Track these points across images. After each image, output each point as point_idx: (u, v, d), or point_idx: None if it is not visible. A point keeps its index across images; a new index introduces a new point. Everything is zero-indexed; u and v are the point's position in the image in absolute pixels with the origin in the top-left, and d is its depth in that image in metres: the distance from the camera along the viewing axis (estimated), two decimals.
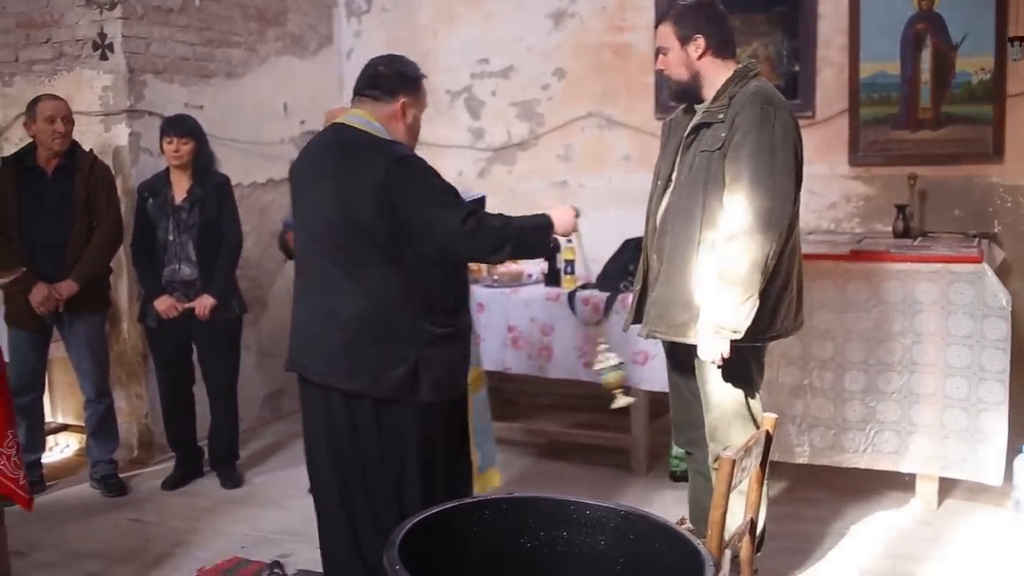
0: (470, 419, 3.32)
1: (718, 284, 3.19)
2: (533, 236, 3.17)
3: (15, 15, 5.41)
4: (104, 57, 4.92)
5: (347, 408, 3.07)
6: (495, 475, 3.51)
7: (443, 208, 2.99)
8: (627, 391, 3.58)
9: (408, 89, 3.16)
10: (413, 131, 3.21)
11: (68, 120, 4.72)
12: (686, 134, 3.39)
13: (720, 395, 3.40)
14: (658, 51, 3.45)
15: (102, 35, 4.88)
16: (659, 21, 3.48)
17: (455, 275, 3.18)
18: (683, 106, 3.56)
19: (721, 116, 3.28)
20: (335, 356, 3.04)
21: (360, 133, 3.06)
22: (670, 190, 3.45)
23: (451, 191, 3.09)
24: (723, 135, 3.24)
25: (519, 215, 3.20)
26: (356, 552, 3.12)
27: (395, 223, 2.95)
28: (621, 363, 3.55)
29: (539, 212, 3.27)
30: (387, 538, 3.02)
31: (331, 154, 3.09)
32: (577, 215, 3.34)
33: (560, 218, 3.24)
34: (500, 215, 3.12)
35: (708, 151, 3.28)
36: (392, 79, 3.14)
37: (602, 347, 3.56)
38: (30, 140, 4.77)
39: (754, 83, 3.35)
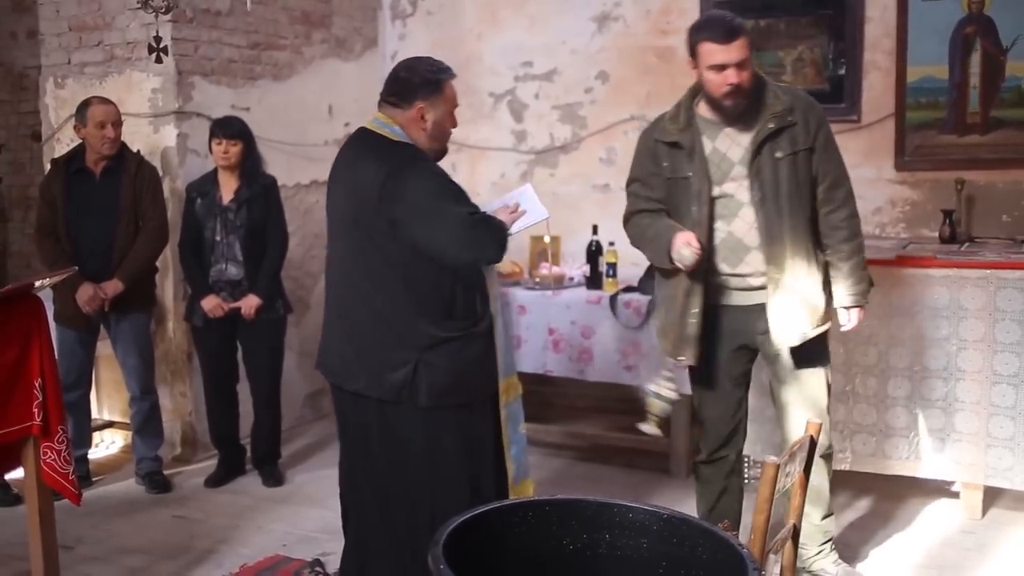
0: (503, 429, 3.27)
1: (853, 258, 3.52)
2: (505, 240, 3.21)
3: (67, 18, 5.51)
4: (159, 60, 4.98)
5: (355, 409, 3.17)
6: (529, 486, 3.44)
7: (443, 212, 3.02)
8: (663, 423, 3.76)
9: (426, 93, 3.15)
10: (435, 135, 3.18)
11: (117, 124, 4.79)
12: (755, 144, 3.37)
13: (822, 381, 3.64)
14: (736, 65, 3.31)
15: (157, 38, 4.94)
16: (736, 34, 3.34)
17: (468, 280, 3.12)
18: (672, 125, 3.54)
19: (791, 119, 3.37)
20: (344, 357, 3.18)
21: (376, 137, 3.14)
22: (749, 204, 3.40)
23: (455, 194, 3.09)
24: (802, 134, 3.38)
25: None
26: (361, 555, 3.27)
27: (395, 225, 3.00)
28: (674, 400, 3.65)
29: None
30: (394, 545, 3.14)
31: (346, 158, 3.22)
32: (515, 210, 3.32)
33: (502, 217, 3.25)
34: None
35: (791, 153, 3.38)
36: (408, 84, 3.17)
37: (666, 375, 3.60)
38: (80, 142, 4.85)
39: (777, 83, 3.57)
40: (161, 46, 5.01)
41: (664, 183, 3.53)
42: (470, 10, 6.39)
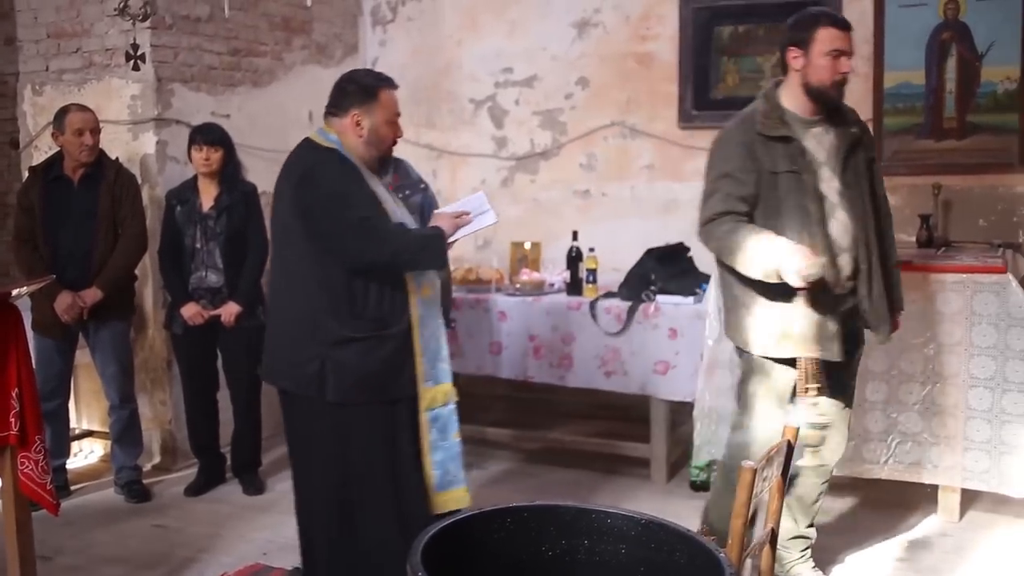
0: (423, 434, 3.32)
1: (898, 265, 3.73)
2: (429, 245, 3.27)
3: (46, 25, 5.48)
4: (136, 68, 4.97)
5: (284, 405, 3.37)
6: (460, 495, 3.41)
7: (339, 215, 3.14)
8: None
9: (360, 101, 3.25)
10: (372, 141, 3.27)
11: (96, 132, 4.77)
12: (849, 145, 3.45)
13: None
14: (847, 53, 3.44)
15: (134, 46, 4.92)
16: (846, 26, 3.50)
17: (382, 282, 3.21)
18: (768, 120, 3.39)
19: (861, 126, 3.59)
20: (272, 354, 3.39)
21: (310, 144, 3.30)
22: (840, 206, 3.40)
23: (356, 198, 3.18)
24: (868, 143, 3.61)
25: (419, 231, 3.36)
26: (307, 548, 3.42)
27: (306, 225, 3.17)
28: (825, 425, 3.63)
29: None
30: (330, 538, 3.26)
31: (284, 166, 3.37)
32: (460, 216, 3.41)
33: (444, 223, 3.36)
34: (399, 225, 3.26)
35: (868, 159, 3.56)
36: (344, 93, 3.30)
37: (810, 401, 3.47)
38: (58, 149, 4.83)
39: None
40: (138, 54, 4.99)
41: (759, 179, 3.36)
42: (450, 16, 6.40)
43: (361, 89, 3.29)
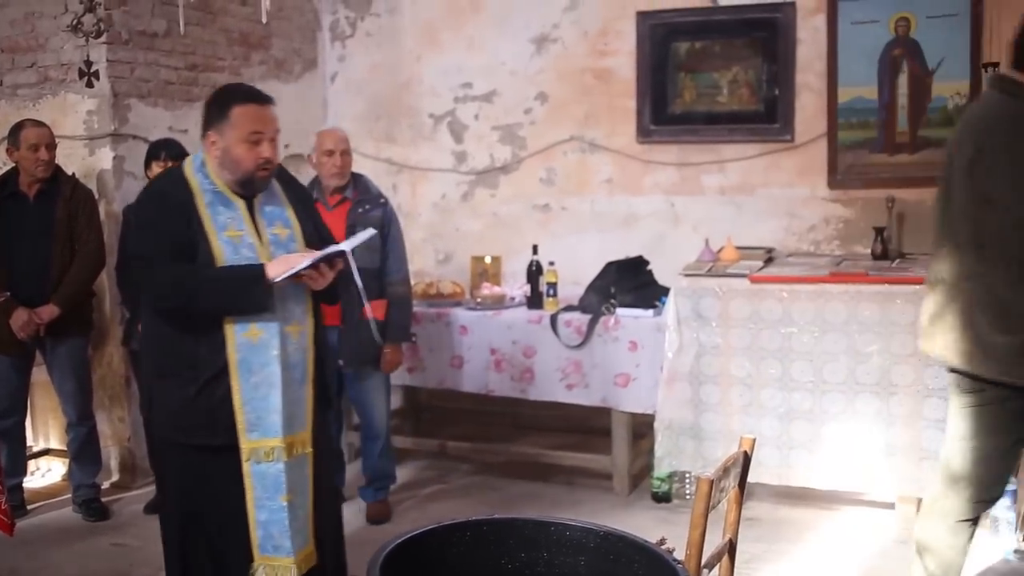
0: (247, 488, 3.00)
1: None
2: (224, 288, 2.94)
3: (0, 39, 5.43)
4: (90, 84, 4.94)
5: None
6: (284, 564, 3.02)
7: (133, 248, 3.17)
8: None
9: (213, 122, 3.02)
10: (225, 163, 3.00)
11: (51, 147, 4.73)
12: None
13: None
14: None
15: (88, 63, 4.89)
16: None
17: (198, 321, 2.96)
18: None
19: None
20: None
21: (172, 172, 3.18)
22: None
23: (146, 235, 3.05)
24: None
25: (227, 269, 2.95)
26: None
27: None
28: None
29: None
30: None
31: None
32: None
33: (276, 266, 2.94)
34: (190, 269, 2.95)
35: None
36: (205, 112, 3.09)
37: None
38: (13, 165, 4.78)
39: None
40: (92, 70, 4.97)
41: None
42: (410, 32, 6.41)
43: (215, 107, 3.04)
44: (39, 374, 5.00)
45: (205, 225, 2.96)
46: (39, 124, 4.76)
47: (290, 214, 3.13)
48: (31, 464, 5.36)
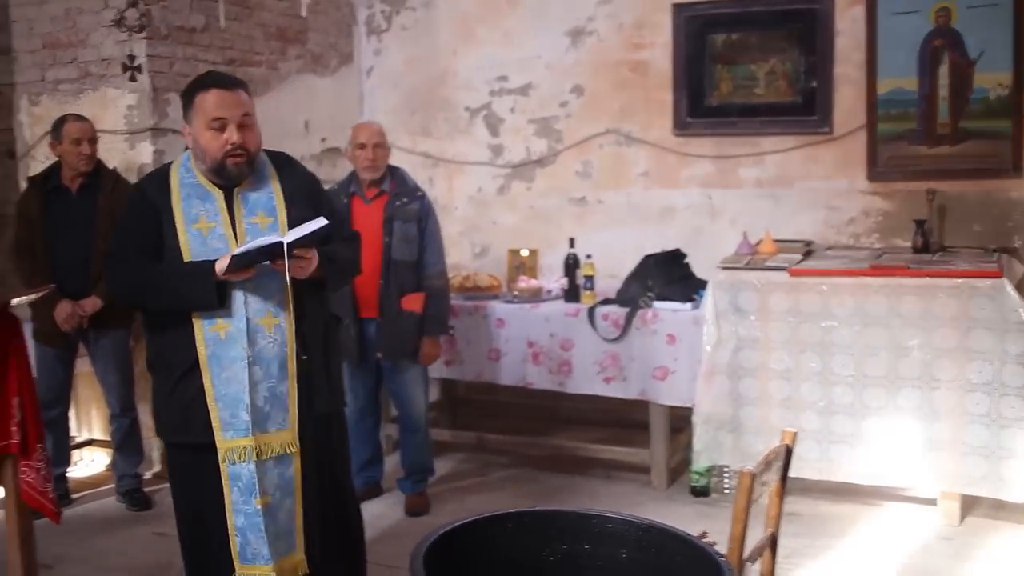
0: (225, 490, 2.93)
1: None
2: (173, 285, 2.91)
3: (42, 35, 5.50)
4: (133, 79, 4.98)
5: None
6: (262, 572, 2.93)
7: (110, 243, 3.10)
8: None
9: (185, 111, 3.00)
10: (196, 153, 2.98)
11: (93, 141, 4.79)
12: None
13: None
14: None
15: (131, 57, 4.93)
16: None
17: (165, 316, 2.97)
18: None
19: None
20: None
21: (157, 170, 3.17)
22: None
23: (121, 227, 3.08)
24: None
25: (181, 266, 2.93)
26: None
27: None
28: None
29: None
30: None
31: None
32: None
33: (220, 262, 2.87)
34: (146, 266, 2.95)
35: None
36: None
37: None
38: (55, 159, 4.84)
39: None
40: (135, 64, 5.01)
41: None
42: (445, 26, 6.42)
43: (184, 97, 3.01)
44: (82, 366, 5.06)
45: (176, 219, 2.93)
46: (81, 118, 4.82)
47: (277, 202, 3.03)
48: (75, 454, 5.44)
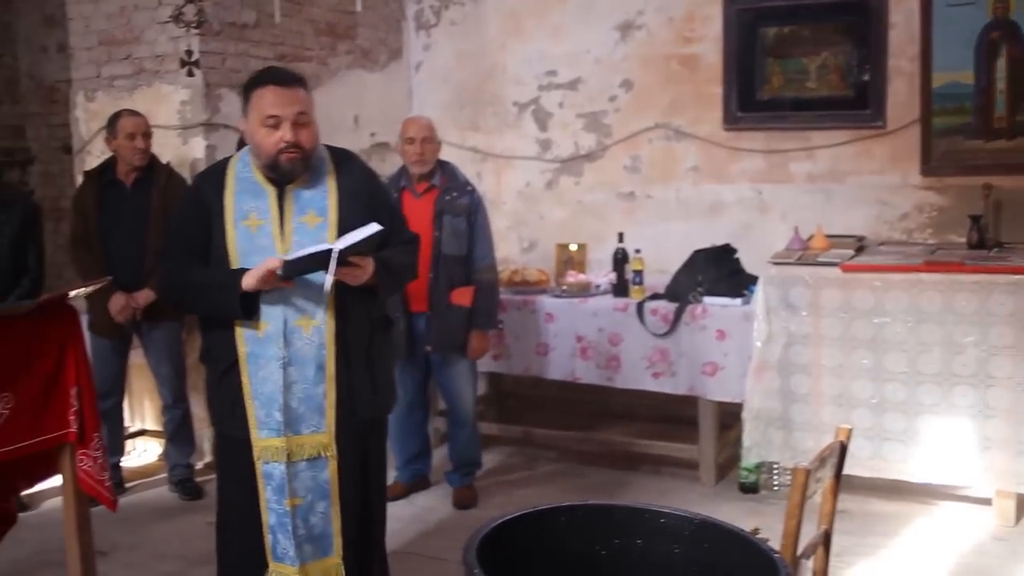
0: (259, 489, 2.94)
1: None
2: (203, 295, 2.95)
3: (97, 32, 5.58)
4: (191, 74, 5.02)
5: None
6: (289, 574, 2.94)
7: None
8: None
9: (244, 106, 2.99)
10: (252, 148, 2.96)
11: (147, 136, 4.85)
12: None
13: None
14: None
15: (188, 52, 4.98)
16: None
17: (217, 318, 2.97)
18: None
19: None
20: None
21: (218, 163, 3.18)
22: None
23: (175, 226, 3.13)
24: None
25: (214, 273, 2.94)
26: None
27: None
28: None
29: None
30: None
31: None
32: (279, 271, 2.79)
33: (251, 273, 2.82)
34: (197, 270, 2.96)
35: None
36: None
37: None
38: (111, 154, 4.92)
39: None
40: (192, 59, 5.06)
41: None
42: (494, 20, 6.42)
43: (243, 92, 2.99)
44: (135, 357, 5.13)
45: (225, 215, 2.92)
46: (135, 114, 4.88)
47: (330, 201, 2.96)
48: (128, 444, 5.52)
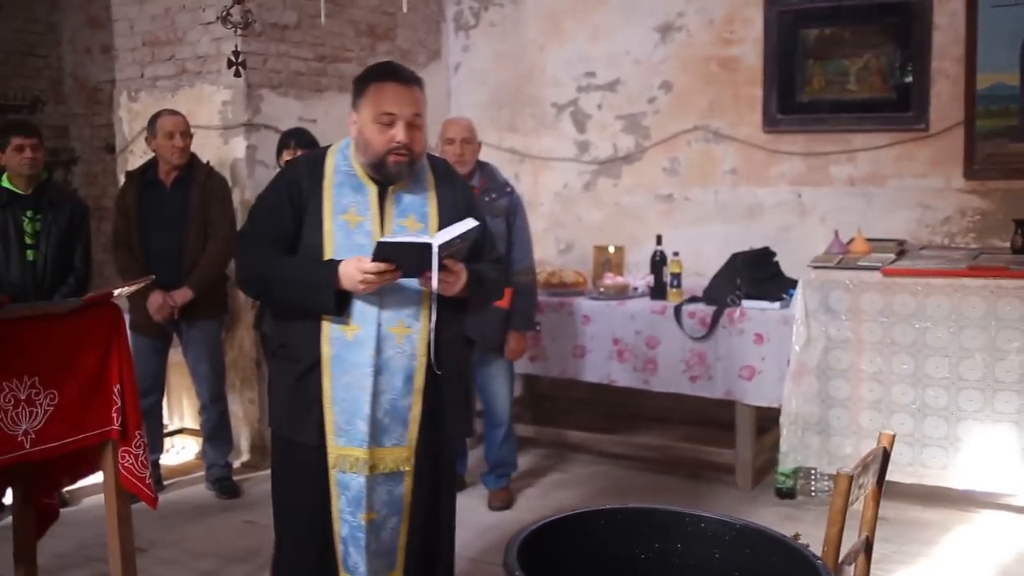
0: (332, 497, 2.82)
1: None
2: (295, 287, 2.77)
3: (141, 34, 5.65)
4: (238, 74, 5.05)
5: None
6: None
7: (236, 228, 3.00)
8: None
9: (355, 98, 2.84)
10: (359, 145, 2.81)
11: (187, 135, 4.90)
12: None
13: None
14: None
15: (236, 52, 5.01)
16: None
17: (300, 314, 2.80)
18: None
19: None
20: None
21: (316, 152, 3.01)
22: None
23: (260, 209, 2.92)
24: None
25: (306, 264, 2.78)
26: None
27: None
28: None
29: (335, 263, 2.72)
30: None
31: None
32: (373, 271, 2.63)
33: (345, 272, 2.67)
34: (274, 257, 2.80)
35: None
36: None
37: None
38: (153, 154, 4.97)
39: None
40: (240, 60, 5.10)
41: None
42: (533, 21, 6.42)
43: (357, 83, 2.86)
44: (174, 355, 5.18)
45: (324, 206, 2.78)
46: (174, 113, 4.94)
47: (430, 209, 2.85)
48: (166, 442, 5.57)
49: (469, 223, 2.69)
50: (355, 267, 2.64)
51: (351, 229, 2.76)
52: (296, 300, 2.78)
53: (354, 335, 2.74)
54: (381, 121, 2.73)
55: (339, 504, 2.81)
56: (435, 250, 2.58)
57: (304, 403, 2.79)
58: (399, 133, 2.73)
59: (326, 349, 2.75)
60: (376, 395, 2.75)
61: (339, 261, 2.68)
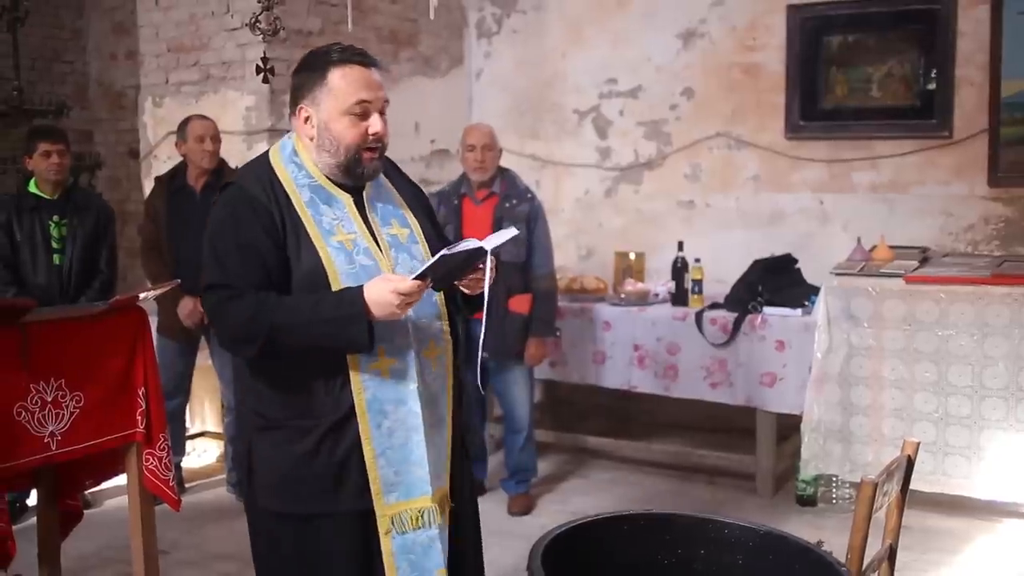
0: (388, 570, 2.33)
1: None
2: (315, 331, 2.24)
3: (166, 40, 5.70)
4: (266, 80, 5.08)
5: None
6: None
7: (205, 271, 2.37)
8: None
9: (306, 89, 2.34)
10: (323, 144, 2.33)
11: (216, 139, 4.94)
12: None
13: None
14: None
15: (264, 59, 5.05)
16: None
17: (303, 358, 2.30)
18: None
19: None
20: None
21: (254, 168, 2.43)
22: None
23: (223, 251, 2.31)
24: None
25: (321, 300, 2.25)
26: None
27: None
28: None
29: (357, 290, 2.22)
30: None
31: None
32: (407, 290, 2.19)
33: (376, 299, 2.19)
34: (270, 297, 2.25)
35: None
36: (292, 86, 2.41)
37: None
38: (179, 159, 5.01)
39: None
40: (268, 66, 5.12)
41: None
42: (555, 28, 6.44)
43: (306, 72, 2.36)
44: (200, 359, 5.21)
45: (309, 231, 2.29)
46: (204, 118, 4.97)
47: (406, 211, 2.47)
48: (188, 445, 5.60)
49: (512, 231, 2.33)
50: (388, 290, 2.17)
51: (350, 251, 2.31)
52: (318, 343, 2.25)
53: (390, 369, 2.30)
54: (354, 112, 2.31)
55: (393, 573, 2.33)
56: (490, 257, 2.25)
57: (330, 468, 2.31)
58: (375, 124, 2.33)
59: (359, 394, 2.28)
60: (427, 433, 2.34)
61: (359, 288, 2.21)
